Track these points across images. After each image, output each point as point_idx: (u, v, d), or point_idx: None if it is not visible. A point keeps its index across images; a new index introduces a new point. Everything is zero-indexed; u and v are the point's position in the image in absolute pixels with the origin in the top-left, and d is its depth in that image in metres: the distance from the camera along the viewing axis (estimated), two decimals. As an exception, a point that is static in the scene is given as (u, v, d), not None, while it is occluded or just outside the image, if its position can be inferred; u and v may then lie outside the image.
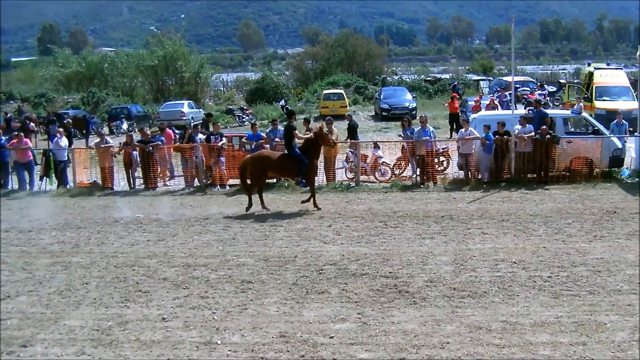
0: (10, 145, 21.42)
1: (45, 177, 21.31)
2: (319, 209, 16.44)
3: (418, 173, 19.92)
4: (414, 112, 38.76)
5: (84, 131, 35.63)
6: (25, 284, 11.13)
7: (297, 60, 68.76)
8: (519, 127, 19.25)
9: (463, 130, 20.06)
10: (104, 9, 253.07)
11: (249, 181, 16.78)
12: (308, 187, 17.27)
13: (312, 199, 16.67)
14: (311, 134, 17.05)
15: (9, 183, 21.36)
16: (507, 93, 33.94)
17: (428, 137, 19.76)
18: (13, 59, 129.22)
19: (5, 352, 8.27)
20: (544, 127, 18.92)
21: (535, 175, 19.27)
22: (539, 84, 45.49)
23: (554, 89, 43.77)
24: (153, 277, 11.24)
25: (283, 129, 17.37)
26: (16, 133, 22.13)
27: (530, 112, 21.15)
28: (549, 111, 21.80)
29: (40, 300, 10.27)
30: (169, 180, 21.24)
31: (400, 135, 21.89)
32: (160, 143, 20.90)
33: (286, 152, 16.95)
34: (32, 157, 21.37)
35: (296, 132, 17.01)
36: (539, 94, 37.44)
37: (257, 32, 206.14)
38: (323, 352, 8.01)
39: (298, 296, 10.03)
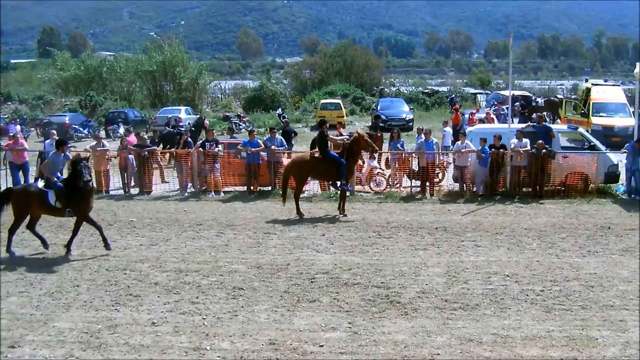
0: (5, 146, 21.35)
1: (40, 179, 21.19)
2: (345, 215, 16.55)
3: (416, 184, 19.92)
4: (411, 123, 38.98)
5: None
6: (16, 284, 11.09)
7: (296, 69, 69.00)
8: (515, 141, 19.25)
9: (459, 142, 20.02)
10: (104, 13, 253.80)
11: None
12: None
13: (342, 203, 16.82)
14: (347, 140, 17.05)
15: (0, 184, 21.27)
16: (504, 107, 33.99)
17: (431, 149, 19.91)
18: (12, 61, 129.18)
19: (-7, 353, 8.24)
20: (540, 141, 18.95)
21: (530, 189, 19.28)
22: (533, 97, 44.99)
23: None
24: (144, 282, 11.20)
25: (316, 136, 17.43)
26: (12, 134, 21.99)
27: (531, 126, 21.05)
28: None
29: (30, 301, 10.23)
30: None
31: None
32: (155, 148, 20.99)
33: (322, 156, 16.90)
34: (27, 159, 21.27)
35: (331, 136, 17.00)
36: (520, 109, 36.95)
37: (256, 41, 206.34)
38: (313, 361, 7.97)
39: (289, 304, 9.99)
